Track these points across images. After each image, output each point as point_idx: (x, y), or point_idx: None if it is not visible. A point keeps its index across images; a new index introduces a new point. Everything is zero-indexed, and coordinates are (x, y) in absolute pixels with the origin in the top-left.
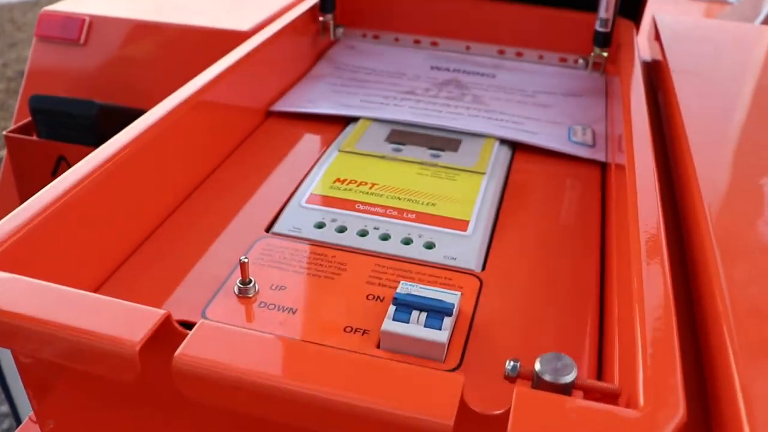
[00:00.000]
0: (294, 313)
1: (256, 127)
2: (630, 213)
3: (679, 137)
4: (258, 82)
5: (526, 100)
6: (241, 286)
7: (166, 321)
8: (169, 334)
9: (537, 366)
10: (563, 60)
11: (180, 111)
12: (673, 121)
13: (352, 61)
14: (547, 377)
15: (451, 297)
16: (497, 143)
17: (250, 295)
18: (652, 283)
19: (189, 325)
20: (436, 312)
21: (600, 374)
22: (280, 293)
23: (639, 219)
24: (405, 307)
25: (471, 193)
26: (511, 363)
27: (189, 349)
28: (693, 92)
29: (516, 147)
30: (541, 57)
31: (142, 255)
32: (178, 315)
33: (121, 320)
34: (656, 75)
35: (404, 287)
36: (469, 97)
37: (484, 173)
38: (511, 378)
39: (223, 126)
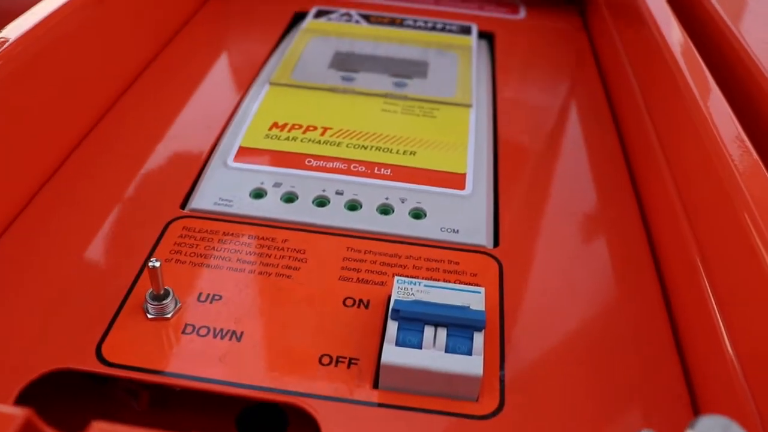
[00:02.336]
0: (239, 339)
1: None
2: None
3: None
4: None
5: None
6: (153, 302)
7: (27, 425)
8: None
9: None
10: None
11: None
12: None
13: None
14: None
15: (474, 298)
16: (474, 53)
17: (169, 315)
18: None
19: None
20: (460, 327)
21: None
22: (214, 307)
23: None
24: (412, 323)
25: (459, 133)
26: None
27: None
28: None
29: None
30: None
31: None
32: (62, 360)
33: None
34: None
35: (403, 288)
36: None
37: (470, 105)
38: None
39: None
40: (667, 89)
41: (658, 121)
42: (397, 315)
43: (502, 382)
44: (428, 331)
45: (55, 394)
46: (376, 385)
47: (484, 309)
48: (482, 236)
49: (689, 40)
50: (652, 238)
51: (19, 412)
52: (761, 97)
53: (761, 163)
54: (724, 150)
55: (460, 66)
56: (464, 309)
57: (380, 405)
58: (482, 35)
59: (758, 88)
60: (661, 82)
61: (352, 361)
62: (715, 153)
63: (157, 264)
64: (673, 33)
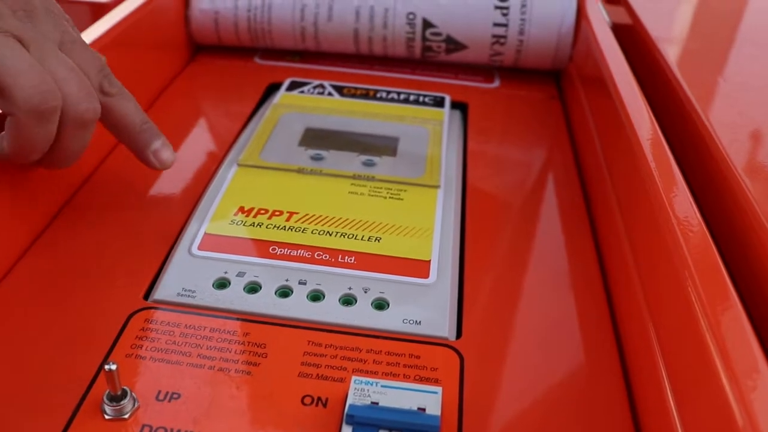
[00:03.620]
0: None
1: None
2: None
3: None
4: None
5: None
6: (110, 403)
7: None
8: None
9: None
10: None
11: None
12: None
13: None
14: None
15: (430, 399)
16: (446, 127)
17: (126, 416)
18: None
19: None
20: None
21: None
22: (172, 407)
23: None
24: (366, 427)
25: (426, 217)
26: None
27: None
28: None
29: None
30: None
31: None
32: None
33: None
34: None
35: (359, 389)
36: None
37: (437, 186)
38: None
39: None
40: (626, 161)
41: (620, 196)
42: (352, 420)
43: None
44: None
45: None
46: None
47: (439, 413)
48: (444, 328)
49: (654, 120)
50: (618, 328)
51: None
52: (722, 182)
53: (717, 253)
54: (680, 237)
55: (431, 141)
56: (419, 414)
57: None
58: (456, 105)
59: (718, 171)
60: (622, 153)
61: None
62: (672, 240)
63: (113, 367)
64: (636, 105)
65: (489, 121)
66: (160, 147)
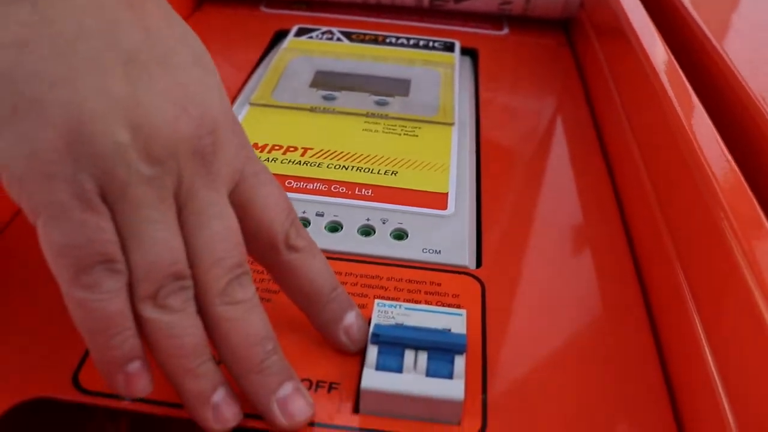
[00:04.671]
0: (218, 361)
1: None
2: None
3: None
4: None
5: None
6: None
7: None
8: None
9: None
10: None
11: None
12: None
13: None
14: None
15: (455, 321)
16: (457, 70)
17: None
18: None
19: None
20: (440, 351)
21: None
22: None
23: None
24: (392, 347)
25: (441, 153)
26: None
27: None
28: None
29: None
30: None
31: None
32: (37, 389)
33: None
34: None
35: (383, 311)
36: None
37: (452, 123)
38: None
39: None
40: (650, 105)
41: (641, 138)
42: (377, 339)
43: (484, 404)
44: (408, 355)
45: (37, 421)
46: (356, 409)
47: (465, 332)
48: (464, 257)
49: (672, 57)
50: (636, 255)
51: None
52: (743, 112)
53: (741, 176)
54: (705, 163)
55: (443, 83)
56: (445, 333)
57: (361, 430)
58: (465, 51)
59: (740, 103)
60: (644, 98)
61: (333, 386)
62: (696, 167)
63: None
64: (657, 49)
65: (499, 66)
66: (354, 321)
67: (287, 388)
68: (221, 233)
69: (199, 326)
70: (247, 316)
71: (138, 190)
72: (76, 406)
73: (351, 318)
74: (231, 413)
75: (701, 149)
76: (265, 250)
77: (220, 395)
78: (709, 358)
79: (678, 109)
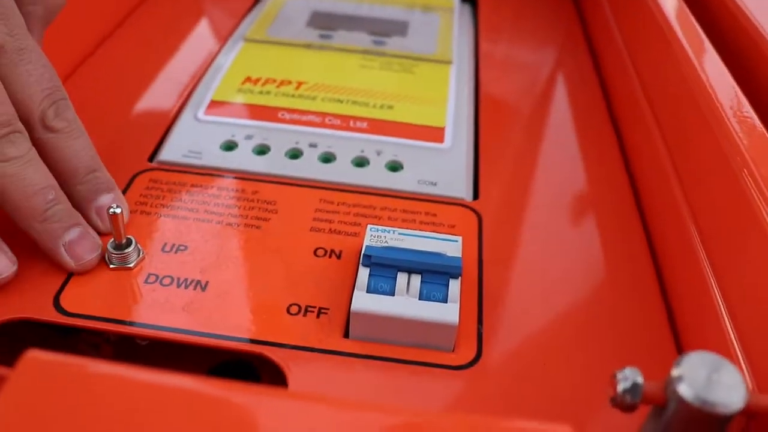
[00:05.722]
0: (204, 289)
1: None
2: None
3: None
4: None
5: None
6: (114, 251)
7: None
8: None
9: (680, 385)
10: None
11: None
12: None
13: None
14: (697, 402)
15: (450, 246)
16: (456, 13)
17: (131, 264)
18: None
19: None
20: (434, 273)
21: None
22: (178, 258)
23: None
24: (383, 268)
25: (438, 89)
26: (626, 376)
27: None
28: None
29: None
30: None
31: None
32: (18, 310)
33: None
34: None
35: (375, 236)
36: None
37: (450, 62)
38: (627, 402)
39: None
40: (657, 45)
41: (646, 79)
42: (369, 261)
43: (479, 332)
44: (401, 278)
45: (17, 348)
46: (346, 335)
47: (458, 256)
48: (461, 189)
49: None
50: (637, 189)
51: None
52: (757, 56)
53: (758, 120)
54: (719, 106)
55: (441, 25)
56: (440, 255)
57: (350, 355)
58: None
59: (754, 45)
60: (651, 38)
61: (322, 311)
62: (709, 109)
63: (118, 210)
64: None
65: (499, 12)
66: (108, 202)
67: (73, 233)
68: (29, 69)
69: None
70: (23, 171)
71: None
72: (57, 336)
73: (106, 199)
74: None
75: (715, 92)
76: (25, 126)
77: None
78: (714, 286)
79: (690, 53)
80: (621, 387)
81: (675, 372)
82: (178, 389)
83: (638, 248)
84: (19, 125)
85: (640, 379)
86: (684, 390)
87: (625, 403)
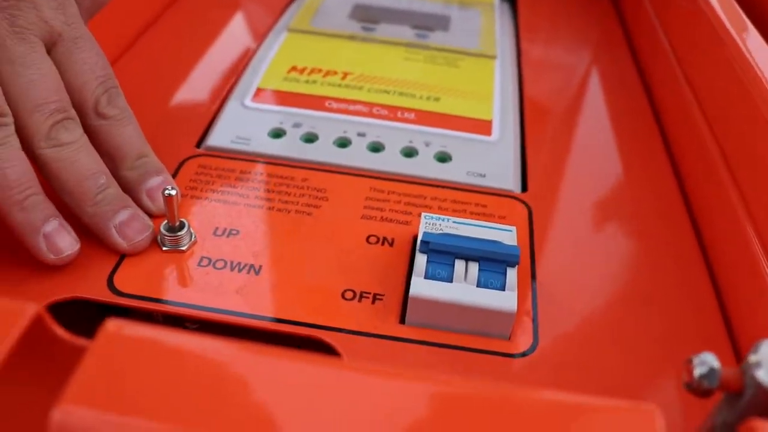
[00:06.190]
0: (258, 272)
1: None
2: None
3: None
4: None
5: None
6: (167, 234)
7: (37, 322)
8: (42, 343)
9: (759, 371)
10: None
11: None
12: None
13: None
14: None
15: (505, 235)
16: (497, 8)
17: (184, 247)
18: None
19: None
20: (492, 261)
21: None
22: (230, 242)
23: None
24: (441, 255)
25: (484, 83)
26: (703, 361)
27: (73, 399)
28: None
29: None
30: None
31: None
32: (73, 290)
33: None
34: None
35: (430, 223)
36: None
37: (494, 56)
38: (703, 387)
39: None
40: (706, 43)
41: (690, 72)
42: (427, 247)
43: (535, 320)
44: (459, 264)
45: (71, 327)
46: (402, 321)
47: (515, 244)
48: (510, 181)
49: None
50: (682, 177)
51: (29, 308)
52: None
53: None
54: None
55: (483, 20)
56: (497, 243)
57: (407, 340)
58: None
59: None
60: (699, 35)
61: (377, 297)
62: (763, 99)
63: (173, 192)
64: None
65: (539, 10)
66: (159, 184)
67: (124, 215)
68: (37, 81)
69: (22, 159)
70: (75, 156)
71: None
72: (113, 312)
73: (156, 181)
74: (64, 243)
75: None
76: (78, 113)
77: (51, 226)
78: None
79: (744, 50)
80: (698, 372)
81: (753, 358)
82: (261, 360)
83: (686, 240)
84: (73, 112)
85: (716, 364)
86: (763, 376)
87: (701, 389)
